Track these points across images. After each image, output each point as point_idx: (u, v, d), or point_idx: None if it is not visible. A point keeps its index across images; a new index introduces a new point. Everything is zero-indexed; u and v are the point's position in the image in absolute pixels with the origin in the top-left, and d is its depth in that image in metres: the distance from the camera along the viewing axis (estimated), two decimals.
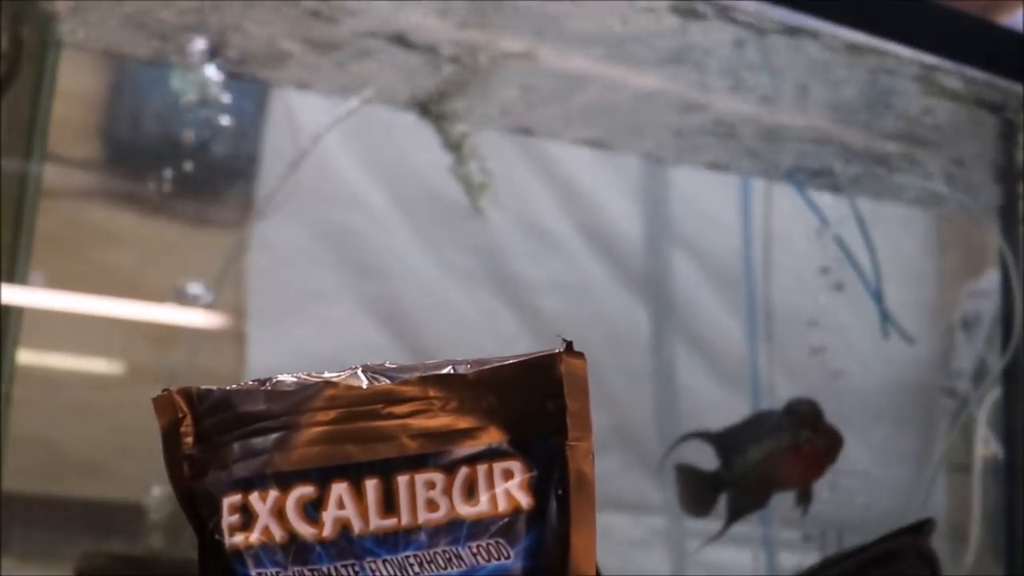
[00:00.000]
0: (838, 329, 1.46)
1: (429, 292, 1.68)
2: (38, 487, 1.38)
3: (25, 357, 1.24)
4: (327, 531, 0.35)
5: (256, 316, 1.56)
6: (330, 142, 1.58)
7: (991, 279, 1.71)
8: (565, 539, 0.35)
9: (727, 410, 1.61)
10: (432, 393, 0.36)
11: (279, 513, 0.35)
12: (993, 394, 1.58)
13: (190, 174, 1.47)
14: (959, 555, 1.53)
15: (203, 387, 0.37)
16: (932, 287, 2.08)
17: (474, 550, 0.35)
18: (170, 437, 0.37)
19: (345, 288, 1.64)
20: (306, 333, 1.60)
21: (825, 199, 1.35)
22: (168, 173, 1.47)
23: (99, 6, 0.97)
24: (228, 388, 0.37)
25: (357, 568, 0.35)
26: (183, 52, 1.08)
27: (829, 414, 1.57)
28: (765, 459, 1.06)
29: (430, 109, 1.16)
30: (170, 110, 1.48)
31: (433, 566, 0.35)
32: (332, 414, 0.36)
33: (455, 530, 0.35)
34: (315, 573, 0.35)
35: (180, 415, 0.37)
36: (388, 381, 0.37)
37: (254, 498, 0.36)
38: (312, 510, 0.35)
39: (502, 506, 0.35)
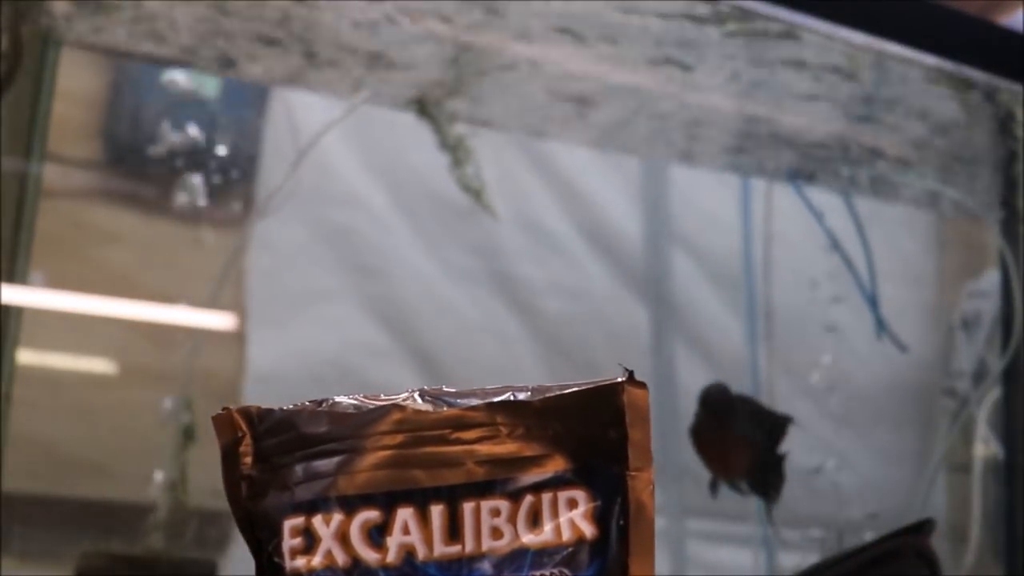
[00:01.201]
0: (838, 329, 1.46)
1: (429, 292, 1.68)
2: (38, 487, 1.38)
3: (25, 357, 1.24)
4: (391, 556, 0.35)
5: (256, 316, 1.56)
6: (330, 142, 1.58)
7: (991, 279, 1.71)
8: (625, 567, 0.36)
9: None
10: (499, 419, 0.36)
11: (343, 537, 0.35)
12: (993, 394, 1.58)
13: (190, 174, 1.47)
14: (959, 555, 1.53)
15: (264, 407, 0.37)
16: (932, 287, 2.08)
17: None
18: (229, 456, 0.37)
19: (345, 288, 1.65)
20: (306, 333, 1.60)
21: (824, 199, 1.35)
22: (168, 173, 1.47)
23: (98, 6, 0.97)
24: (289, 408, 0.37)
25: None
26: (183, 52, 1.08)
27: (829, 414, 1.57)
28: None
29: (429, 109, 1.16)
30: (171, 110, 1.48)
31: None
32: (399, 438, 0.36)
33: (519, 559, 0.35)
34: None
35: (240, 434, 0.37)
36: (453, 406, 0.36)
37: (317, 521, 0.35)
38: (377, 535, 0.35)
39: (566, 535, 0.35)
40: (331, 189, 1.63)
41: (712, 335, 1.71)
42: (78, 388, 1.45)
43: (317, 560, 0.35)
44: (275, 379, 1.56)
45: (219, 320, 1.44)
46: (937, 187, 1.36)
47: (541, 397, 0.36)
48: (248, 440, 0.37)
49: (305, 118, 1.53)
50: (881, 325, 1.36)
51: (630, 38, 0.96)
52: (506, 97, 1.15)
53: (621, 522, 0.35)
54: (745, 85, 1.07)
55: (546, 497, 0.35)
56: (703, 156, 1.32)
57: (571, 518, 0.35)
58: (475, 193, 1.19)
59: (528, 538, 0.35)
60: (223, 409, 0.38)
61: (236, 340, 1.56)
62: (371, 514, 0.35)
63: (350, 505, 0.35)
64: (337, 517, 0.35)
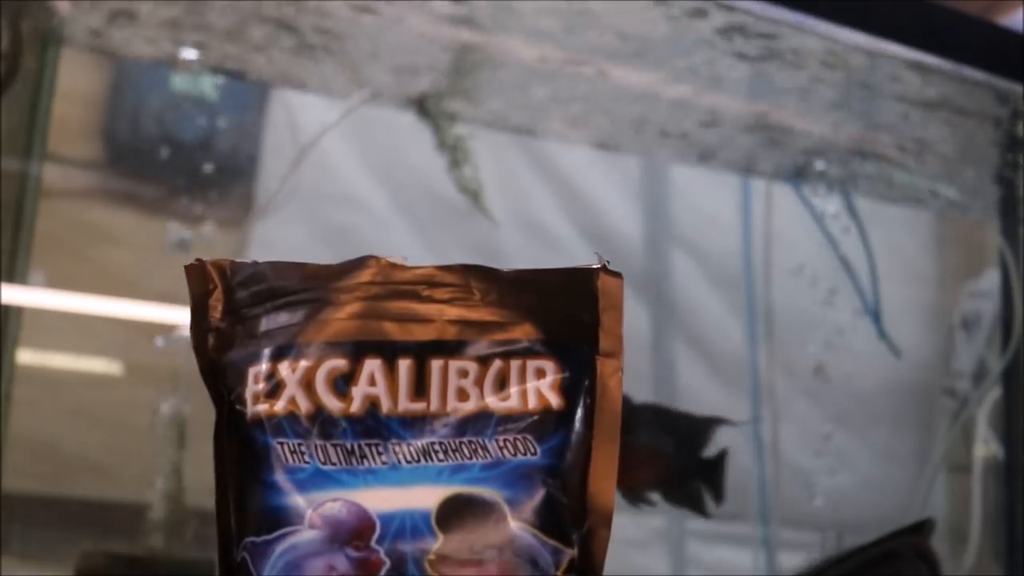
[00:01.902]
0: (838, 329, 1.46)
1: None
2: (38, 487, 1.38)
3: (25, 357, 1.24)
4: (355, 407, 0.34)
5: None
6: (330, 142, 1.58)
7: (991, 279, 1.71)
8: (588, 447, 0.35)
9: (727, 410, 1.61)
10: (473, 284, 0.36)
11: (308, 384, 0.35)
12: (993, 394, 1.58)
13: (190, 174, 1.47)
14: (959, 555, 1.53)
15: (238, 260, 0.37)
16: (932, 287, 2.08)
17: (500, 443, 0.35)
18: (198, 308, 0.36)
19: None
20: None
21: (824, 199, 1.36)
22: (168, 173, 1.47)
23: (98, 6, 0.97)
24: (264, 262, 0.37)
25: (381, 448, 0.34)
26: (183, 52, 1.08)
27: (829, 414, 1.58)
28: None
29: (429, 109, 1.16)
30: (170, 110, 1.48)
31: (458, 455, 0.34)
32: (372, 290, 0.36)
33: (483, 421, 0.35)
34: (338, 448, 0.34)
35: (211, 287, 0.36)
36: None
37: (283, 367, 0.35)
38: (342, 384, 0.35)
39: (532, 403, 0.35)
40: (331, 189, 1.63)
41: (712, 335, 1.71)
42: (78, 388, 1.45)
43: (280, 406, 0.34)
44: None
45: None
46: (937, 187, 1.36)
47: (516, 270, 0.36)
48: (219, 292, 0.36)
49: (305, 118, 1.53)
50: (879, 327, 1.36)
51: (630, 38, 0.96)
52: (506, 97, 1.15)
53: (588, 400, 0.35)
54: (745, 85, 1.07)
55: (515, 364, 0.35)
56: (703, 156, 1.32)
57: (538, 387, 0.35)
58: (473, 195, 1.19)
59: (493, 402, 0.35)
60: (196, 260, 0.37)
61: None
62: (338, 362, 0.34)
63: (317, 352, 0.35)
64: (303, 364, 0.35)
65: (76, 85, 1.45)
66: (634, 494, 0.97)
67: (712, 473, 0.98)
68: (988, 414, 1.60)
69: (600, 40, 0.97)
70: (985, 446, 1.54)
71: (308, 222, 1.62)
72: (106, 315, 1.41)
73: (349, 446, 0.34)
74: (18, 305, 1.13)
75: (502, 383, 0.35)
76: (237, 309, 0.36)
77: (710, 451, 0.98)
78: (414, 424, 0.34)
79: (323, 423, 0.34)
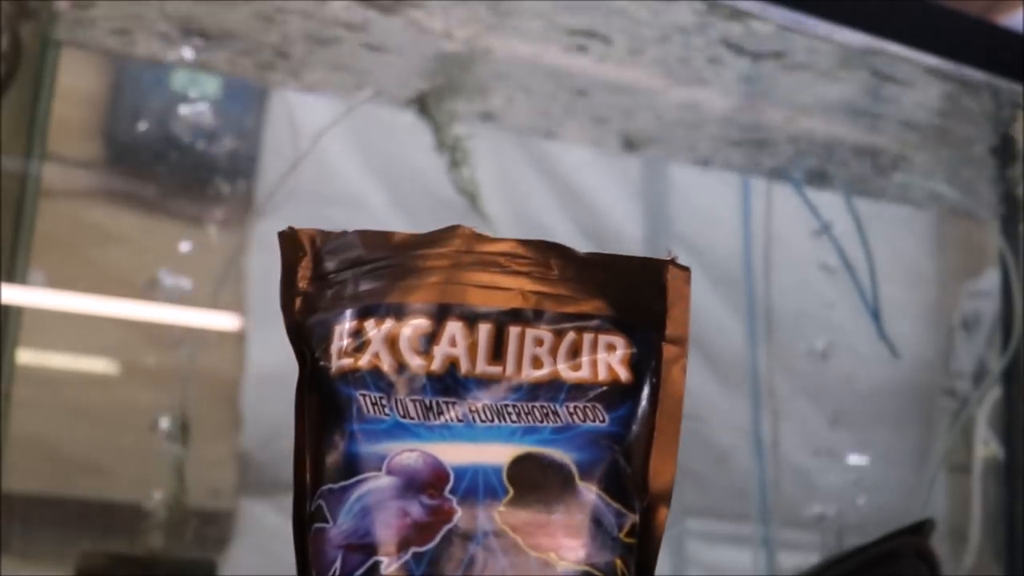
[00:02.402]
0: (838, 329, 1.46)
1: None
2: (38, 487, 1.38)
3: (25, 357, 1.24)
4: (435, 365, 0.36)
5: (256, 316, 1.56)
6: (330, 142, 1.58)
7: (991, 279, 1.71)
8: (651, 424, 0.37)
9: (727, 410, 1.61)
10: (552, 259, 0.37)
11: (392, 342, 0.36)
12: (993, 394, 1.58)
13: (190, 174, 1.47)
14: (959, 555, 1.53)
15: (328, 230, 0.39)
16: (932, 287, 2.08)
17: (571, 409, 0.36)
18: (287, 272, 0.39)
19: None
20: None
21: (824, 199, 1.35)
22: (168, 173, 1.47)
23: (98, 6, 0.97)
24: (353, 231, 0.39)
25: (457, 405, 0.36)
26: (183, 52, 1.08)
27: (829, 414, 1.58)
28: None
29: (429, 109, 1.16)
30: (170, 110, 1.48)
31: (530, 417, 0.36)
32: (458, 258, 0.37)
33: (555, 389, 0.36)
34: (416, 404, 0.36)
35: (300, 253, 0.39)
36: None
37: (369, 324, 0.37)
38: (424, 343, 0.36)
39: (602, 375, 0.37)
40: (331, 189, 1.63)
41: (712, 335, 1.71)
42: (78, 388, 1.45)
43: (364, 360, 0.36)
44: (275, 379, 1.56)
45: (219, 320, 1.44)
46: (937, 187, 1.36)
47: (591, 252, 0.38)
48: (307, 259, 0.39)
49: (305, 118, 1.53)
50: (879, 327, 1.36)
51: (630, 37, 0.96)
52: (506, 97, 1.15)
53: (653, 380, 0.37)
54: (744, 85, 1.07)
55: (587, 336, 0.37)
56: (703, 156, 1.32)
57: (608, 360, 0.37)
58: (470, 196, 1.19)
59: (565, 371, 0.37)
60: (288, 228, 0.39)
61: (236, 340, 1.56)
62: (422, 323, 0.36)
63: (402, 312, 0.37)
64: (389, 322, 0.37)
65: (76, 85, 1.45)
66: None
67: None
68: (988, 414, 1.60)
69: (599, 38, 0.97)
70: (985, 446, 1.54)
71: (308, 222, 1.61)
72: (106, 315, 1.41)
73: (427, 402, 0.36)
74: (18, 305, 1.13)
75: (574, 353, 0.37)
76: (324, 275, 0.38)
77: None
78: (490, 386, 0.36)
79: (404, 379, 0.36)
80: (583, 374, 0.37)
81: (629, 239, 1.80)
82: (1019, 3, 1.25)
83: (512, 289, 0.37)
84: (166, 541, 1.17)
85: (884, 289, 1.35)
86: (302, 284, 0.39)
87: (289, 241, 0.39)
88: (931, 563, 0.78)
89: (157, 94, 1.48)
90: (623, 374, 0.37)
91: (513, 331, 0.36)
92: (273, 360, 1.57)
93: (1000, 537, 1.45)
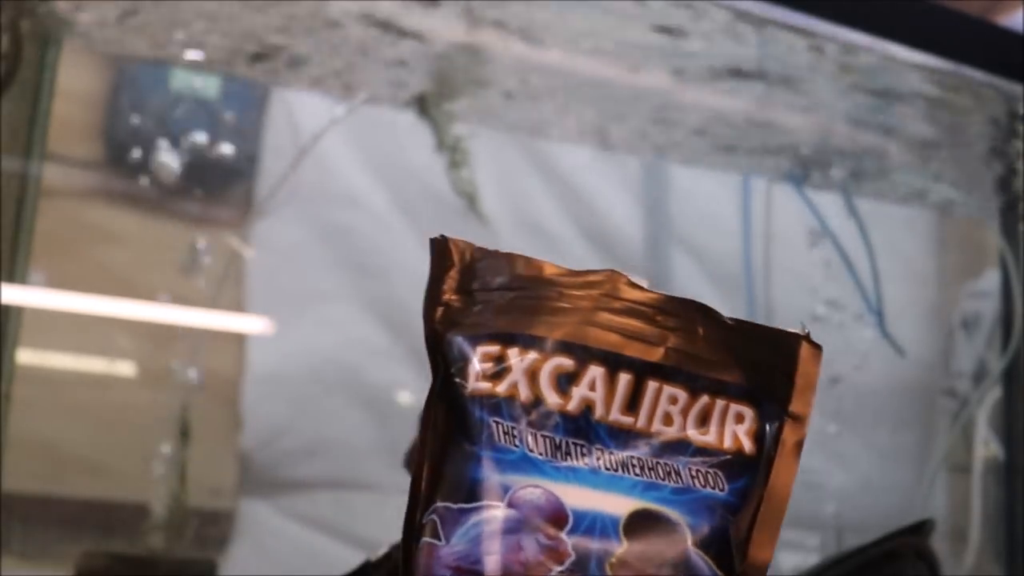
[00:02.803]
0: (839, 329, 1.46)
1: None
2: (38, 487, 1.38)
3: (25, 357, 1.24)
4: (572, 405, 0.36)
5: (257, 315, 1.56)
6: (330, 142, 1.58)
7: (991, 279, 1.71)
8: (760, 498, 0.37)
9: None
10: (698, 320, 0.38)
11: (532, 374, 0.36)
12: (993, 395, 1.58)
13: (190, 174, 1.47)
14: (959, 555, 1.53)
15: (481, 246, 0.39)
16: (932, 287, 2.07)
17: (692, 472, 0.37)
18: (434, 280, 0.39)
19: (345, 288, 1.64)
20: (306, 333, 1.60)
21: (824, 199, 1.35)
22: (168, 173, 1.47)
23: (99, 6, 0.97)
24: (506, 252, 0.39)
25: (586, 449, 0.36)
26: (184, 52, 1.08)
27: (830, 414, 1.57)
28: None
29: (429, 109, 1.16)
30: (171, 110, 1.48)
31: (653, 473, 0.36)
32: (608, 303, 0.38)
33: (681, 448, 0.36)
34: (547, 440, 0.36)
35: (448, 264, 0.39)
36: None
37: (512, 353, 0.37)
38: (564, 382, 0.36)
39: (727, 443, 0.37)
40: (331, 189, 1.63)
41: None
42: (78, 388, 1.45)
43: (502, 388, 0.36)
44: (275, 379, 1.56)
45: (219, 320, 1.44)
46: (937, 187, 1.36)
47: (734, 319, 0.38)
48: (455, 271, 0.39)
49: (305, 118, 1.53)
50: (881, 327, 1.36)
51: (630, 37, 0.96)
52: (506, 97, 1.15)
53: (771, 455, 0.37)
54: (744, 85, 1.07)
55: (719, 403, 0.37)
56: (703, 156, 1.32)
57: (735, 429, 0.37)
58: (469, 197, 1.19)
59: (693, 433, 0.37)
60: (440, 236, 0.39)
61: (236, 340, 1.56)
62: (566, 361, 0.37)
63: (547, 347, 0.37)
64: (533, 355, 0.37)
65: (76, 85, 1.45)
66: None
67: None
68: (988, 414, 1.60)
69: (599, 38, 0.97)
70: (985, 446, 1.54)
71: (308, 222, 1.62)
72: (106, 315, 1.41)
73: (558, 440, 0.36)
74: (18, 305, 1.13)
75: (704, 418, 0.37)
76: (470, 290, 0.38)
77: None
78: (619, 435, 0.36)
79: (539, 413, 0.36)
80: (710, 439, 0.37)
81: (629, 239, 1.80)
82: (1019, 3, 1.25)
83: (657, 344, 0.37)
84: (166, 541, 1.17)
85: (884, 289, 1.35)
86: (446, 295, 0.39)
87: (439, 250, 0.39)
88: (931, 563, 0.78)
89: (157, 94, 1.48)
90: (747, 445, 0.37)
91: (651, 385, 0.37)
92: (273, 360, 1.58)
93: (1000, 537, 1.45)
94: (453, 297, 0.38)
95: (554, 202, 1.79)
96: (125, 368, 1.45)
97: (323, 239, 1.64)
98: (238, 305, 1.55)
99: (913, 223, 2.03)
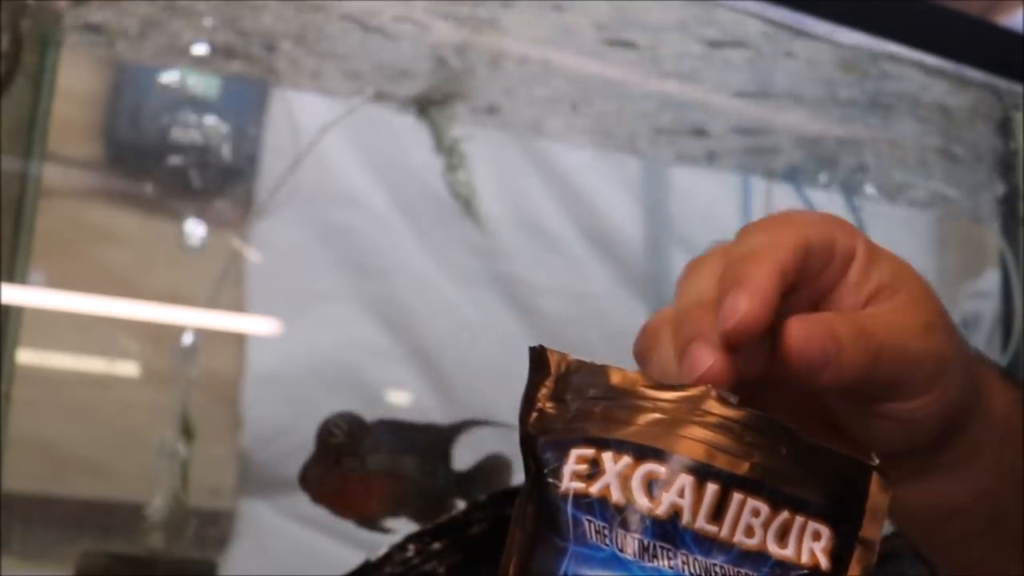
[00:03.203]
0: None
1: (429, 292, 1.68)
2: (38, 487, 1.38)
3: (25, 357, 1.24)
4: (661, 510, 0.38)
5: (257, 315, 1.56)
6: (330, 142, 1.58)
7: (991, 279, 1.71)
8: None
9: None
10: (782, 439, 0.40)
11: (625, 479, 0.38)
12: None
13: (190, 174, 1.47)
14: None
15: (578, 358, 0.41)
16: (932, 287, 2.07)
17: None
18: (530, 388, 0.41)
19: (345, 288, 1.64)
20: (306, 333, 1.60)
21: (824, 199, 1.35)
22: (168, 172, 1.47)
23: (100, 6, 0.97)
24: (602, 364, 0.41)
25: (672, 553, 0.38)
26: (184, 52, 1.08)
27: None
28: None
29: (429, 109, 1.16)
30: (171, 110, 1.48)
31: None
32: (700, 416, 0.39)
33: (760, 562, 0.38)
34: (636, 542, 0.38)
35: (545, 372, 0.41)
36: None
37: (607, 456, 0.38)
38: (655, 488, 0.38)
39: (805, 558, 0.39)
40: (331, 189, 1.63)
41: None
42: (78, 388, 1.45)
43: (595, 489, 0.38)
44: (275, 379, 1.56)
45: (219, 320, 1.44)
46: (937, 187, 1.36)
47: (814, 441, 0.40)
48: (550, 379, 0.41)
49: (305, 118, 1.53)
50: None
51: (631, 37, 0.96)
52: (507, 97, 1.15)
53: (843, 574, 0.39)
54: (745, 85, 1.07)
55: (799, 519, 0.39)
56: (704, 156, 1.32)
57: (812, 547, 0.39)
58: (465, 200, 1.19)
59: (773, 547, 0.38)
60: (538, 346, 0.41)
61: (236, 340, 1.56)
62: (657, 468, 0.38)
63: (641, 453, 0.38)
64: (626, 459, 0.38)
65: (76, 85, 1.45)
66: (368, 522, 0.92)
67: (470, 486, 0.95)
68: None
69: (600, 38, 0.97)
70: None
71: (308, 222, 1.62)
72: (106, 315, 1.41)
73: (645, 543, 0.38)
74: (18, 305, 1.13)
75: (784, 532, 0.39)
76: (564, 398, 0.41)
77: (469, 459, 0.95)
78: (704, 543, 0.38)
79: (628, 516, 0.38)
80: (788, 553, 0.38)
81: (629, 240, 1.80)
82: (1019, 3, 1.25)
83: (743, 458, 0.39)
84: (166, 541, 1.17)
85: None
86: (540, 402, 0.41)
87: (536, 358, 0.41)
88: (931, 563, 0.78)
89: (157, 94, 1.48)
90: (824, 563, 0.38)
91: (736, 497, 0.38)
92: (273, 360, 1.58)
93: None
94: (548, 404, 0.41)
95: (554, 202, 1.79)
96: (125, 368, 1.45)
97: (323, 239, 1.64)
98: (238, 305, 1.55)
99: (913, 223, 2.03)
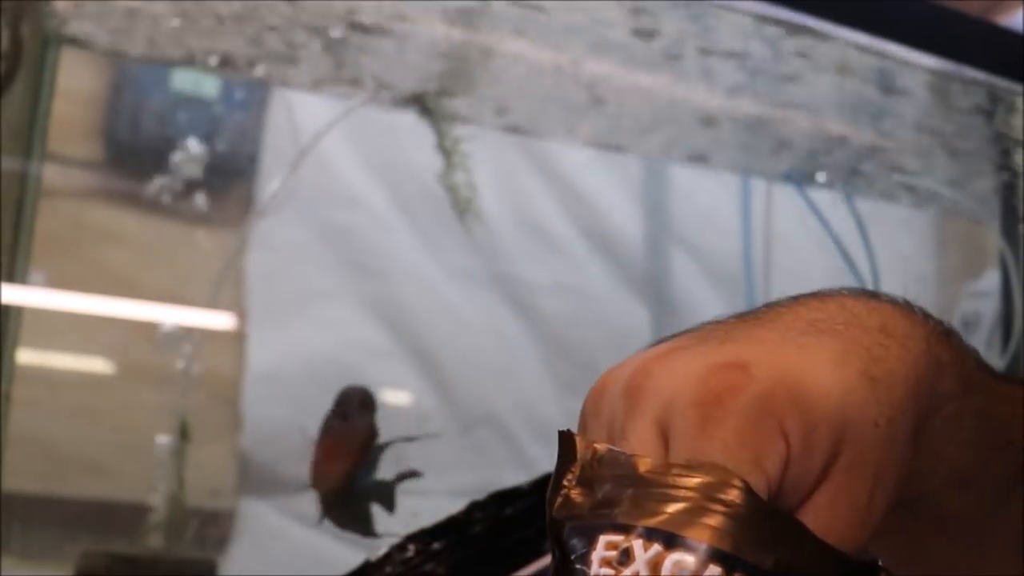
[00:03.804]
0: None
1: (429, 292, 1.68)
2: (38, 487, 1.38)
3: (25, 357, 1.24)
4: None
5: (256, 316, 1.56)
6: (330, 142, 1.58)
7: (991, 280, 1.71)
8: None
9: None
10: (800, 532, 0.41)
11: (654, 566, 0.39)
12: None
13: (190, 174, 1.47)
14: None
15: (608, 446, 0.41)
16: (931, 288, 2.07)
17: None
18: (557, 473, 0.42)
19: (345, 288, 1.64)
20: (306, 333, 1.59)
21: (825, 199, 1.35)
22: (168, 172, 1.47)
23: (100, 6, 0.97)
24: (627, 453, 0.41)
25: None
26: (183, 52, 1.08)
27: None
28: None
29: (429, 109, 1.16)
30: (171, 110, 1.48)
31: None
32: (728, 506, 0.40)
33: None
34: None
35: (572, 458, 0.41)
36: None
37: (637, 544, 0.39)
38: (684, 574, 0.39)
39: None
40: (331, 189, 1.63)
41: None
42: (78, 388, 1.45)
43: (625, 574, 0.39)
44: (275, 379, 1.56)
45: (219, 320, 1.44)
46: (937, 187, 1.36)
47: (822, 543, 0.41)
48: (576, 465, 0.41)
49: (305, 118, 1.53)
50: None
51: (632, 36, 0.96)
52: (507, 96, 1.15)
53: None
54: (745, 85, 1.06)
55: None
56: (704, 156, 1.32)
57: None
58: (466, 202, 1.19)
59: None
60: (566, 431, 0.42)
61: (236, 340, 1.56)
62: (687, 558, 0.39)
63: (671, 542, 0.39)
64: (656, 547, 0.39)
65: (76, 85, 1.45)
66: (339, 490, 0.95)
67: (386, 494, 0.97)
68: None
69: (600, 38, 0.97)
70: None
71: (308, 222, 1.62)
72: (106, 315, 1.41)
73: None
74: (18, 305, 1.13)
75: None
76: (591, 483, 0.41)
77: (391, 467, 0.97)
78: None
79: None
80: None
81: (629, 239, 1.80)
82: (1019, 3, 1.24)
83: (770, 552, 0.40)
84: (166, 541, 1.17)
85: (883, 289, 1.35)
86: (567, 487, 0.41)
87: (564, 444, 0.42)
88: None
89: (157, 94, 1.48)
90: None
91: None
92: (273, 360, 1.57)
93: None
94: (575, 490, 0.41)
95: (554, 202, 1.78)
96: (125, 368, 1.45)
97: (323, 239, 1.64)
98: (238, 305, 1.55)
99: (913, 223, 2.03)
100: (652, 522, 0.39)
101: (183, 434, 1.15)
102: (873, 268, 1.34)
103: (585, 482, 0.41)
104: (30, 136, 1.12)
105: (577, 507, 0.40)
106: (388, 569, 0.76)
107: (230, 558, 1.50)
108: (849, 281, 1.35)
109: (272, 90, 1.56)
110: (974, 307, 1.88)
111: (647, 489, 0.40)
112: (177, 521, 1.16)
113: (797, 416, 0.40)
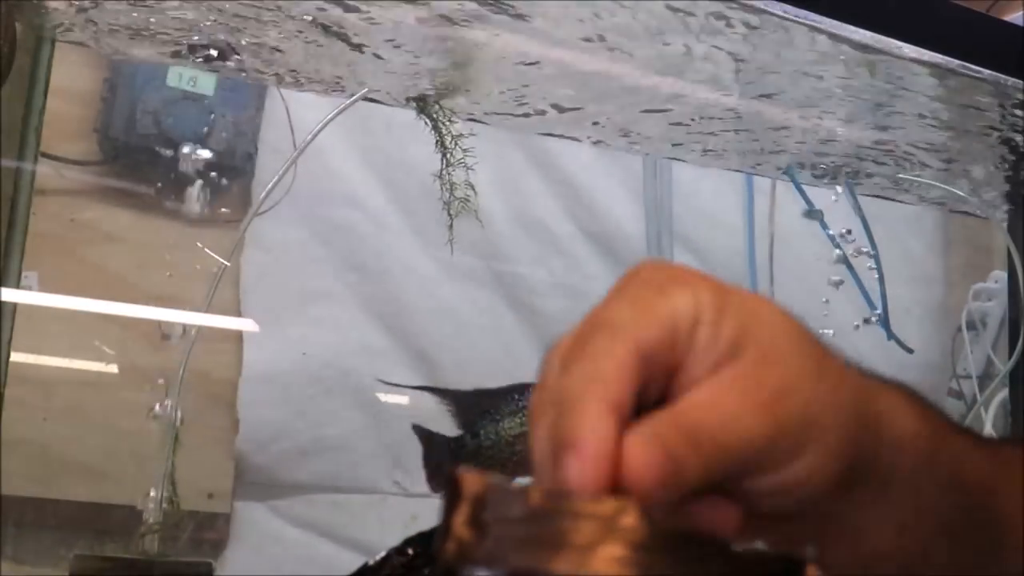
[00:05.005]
0: (842, 329, 1.44)
1: (428, 291, 1.67)
2: (32, 489, 1.37)
3: (19, 358, 1.22)
4: None
5: (253, 316, 1.55)
6: (328, 140, 1.57)
7: (998, 279, 1.70)
8: None
9: None
10: (708, 548, 0.39)
11: None
12: (1000, 396, 1.57)
13: (188, 173, 1.46)
14: None
15: (497, 481, 0.39)
16: (939, 287, 2.06)
17: None
18: (445, 515, 0.39)
19: (343, 287, 1.63)
20: (303, 332, 1.58)
21: (828, 198, 1.34)
22: (163, 171, 1.46)
23: (100, 6, 0.96)
24: (520, 486, 0.39)
25: None
26: (183, 52, 1.07)
27: None
28: (521, 435, 0.95)
29: (429, 107, 1.15)
30: (167, 108, 1.47)
31: None
32: (629, 533, 0.38)
33: None
34: None
35: (457, 499, 0.39)
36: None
37: None
38: None
39: None
40: (329, 188, 1.62)
41: None
42: (72, 389, 1.43)
43: None
44: (272, 379, 1.55)
45: (216, 321, 1.43)
46: (943, 186, 1.34)
47: (737, 543, 0.39)
48: (466, 504, 0.39)
49: (302, 116, 1.52)
50: (887, 327, 1.35)
51: (632, 35, 0.95)
52: (507, 95, 1.14)
53: None
54: (747, 83, 1.05)
55: None
56: (705, 155, 1.31)
57: None
58: (465, 200, 1.18)
59: None
60: (452, 469, 0.39)
61: (233, 340, 1.55)
62: None
63: None
64: None
65: (71, 83, 1.44)
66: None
67: None
68: (995, 416, 1.58)
69: (601, 35, 0.96)
70: None
71: (306, 220, 1.61)
72: (101, 315, 1.40)
73: None
74: (12, 305, 1.12)
75: None
76: (483, 524, 0.39)
77: None
78: None
79: None
80: None
81: (631, 238, 1.79)
82: (1019, 3, 1.23)
83: (677, 571, 0.38)
84: (161, 544, 1.16)
85: (890, 289, 1.34)
86: (457, 529, 0.39)
87: (449, 482, 0.39)
88: None
89: (154, 92, 1.47)
90: None
91: None
92: (270, 361, 1.56)
93: None
94: (465, 531, 0.38)
95: (555, 200, 1.77)
96: (120, 369, 1.44)
97: (321, 238, 1.63)
98: (235, 306, 1.54)
99: (919, 223, 2.02)
100: (549, 565, 0.37)
101: (177, 437, 1.14)
102: (879, 268, 1.33)
103: (476, 522, 0.38)
104: (24, 134, 1.11)
105: (469, 550, 0.38)
106: (386, 572, 0.75)
107: (226, 561, 1.49)
108: (853, 280, 1.33)
109: (269, 88, 1.55)
110: (981, 307, 1.87)
111: (541, 524, 0.38)
112: (173, 524, 1.15)
113: (711, 291, 0.42)
